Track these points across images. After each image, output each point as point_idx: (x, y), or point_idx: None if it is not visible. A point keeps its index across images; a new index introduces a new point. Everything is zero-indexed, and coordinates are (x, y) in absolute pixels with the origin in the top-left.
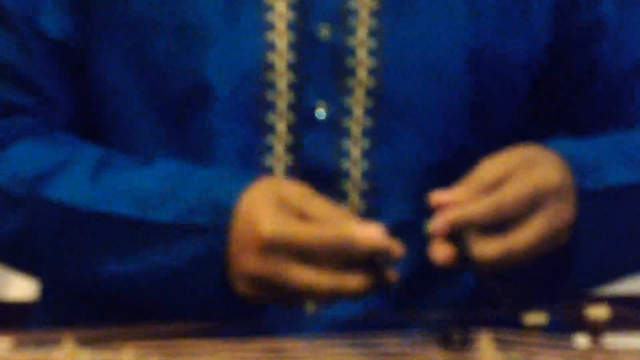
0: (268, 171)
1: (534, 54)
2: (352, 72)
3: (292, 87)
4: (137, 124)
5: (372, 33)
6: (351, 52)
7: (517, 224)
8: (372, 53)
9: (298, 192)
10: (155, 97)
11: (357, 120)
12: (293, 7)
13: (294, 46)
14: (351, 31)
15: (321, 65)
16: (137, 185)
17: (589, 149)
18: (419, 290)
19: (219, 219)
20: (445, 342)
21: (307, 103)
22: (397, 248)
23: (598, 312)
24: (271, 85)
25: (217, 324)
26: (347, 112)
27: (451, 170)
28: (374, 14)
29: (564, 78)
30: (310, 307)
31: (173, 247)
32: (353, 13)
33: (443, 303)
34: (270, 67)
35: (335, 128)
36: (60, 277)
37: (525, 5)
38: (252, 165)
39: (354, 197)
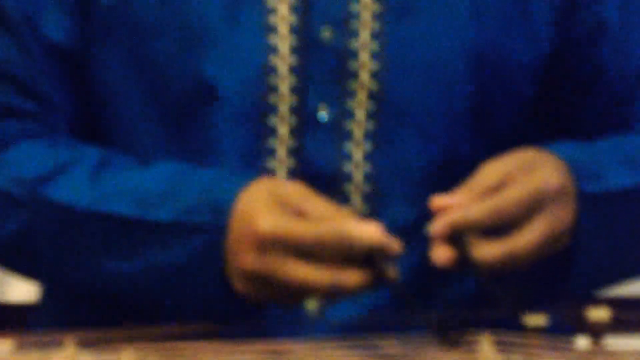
0: (270, 174)
1: (536, 57)
2: (354, 75)
3: (294, 90)
4: (138, 126)
5: (374, 36)
6: (353, 55)
7: (517, 227)
8: (374, 56)
9: (296, 191)
10: (156, 100)
11: (359, 123)
12: (295, 9)
13: (296, 49)
14: (353, 34)
15: (323, 68)
16: (137, 185)
17: (589, 152)
18: (421, 291)
19: (217, 218)
20: (443, 339)
21: (309, 106)
22: (395, 245)
23: (599, 314)
24: (273, 88)
25: (217, 326)
26: (349, 115)
27: (453, 173)
28: (377, 16)
29: (565, 80)
30: (311, 308)
31: (172, 246)
32: (355, 16)
33: (445, 304)
34: (272, 70)
35: (337, 131)
36: (60, 278)
37: (526, 7)
38: (254, 168)
39: (356, 200)
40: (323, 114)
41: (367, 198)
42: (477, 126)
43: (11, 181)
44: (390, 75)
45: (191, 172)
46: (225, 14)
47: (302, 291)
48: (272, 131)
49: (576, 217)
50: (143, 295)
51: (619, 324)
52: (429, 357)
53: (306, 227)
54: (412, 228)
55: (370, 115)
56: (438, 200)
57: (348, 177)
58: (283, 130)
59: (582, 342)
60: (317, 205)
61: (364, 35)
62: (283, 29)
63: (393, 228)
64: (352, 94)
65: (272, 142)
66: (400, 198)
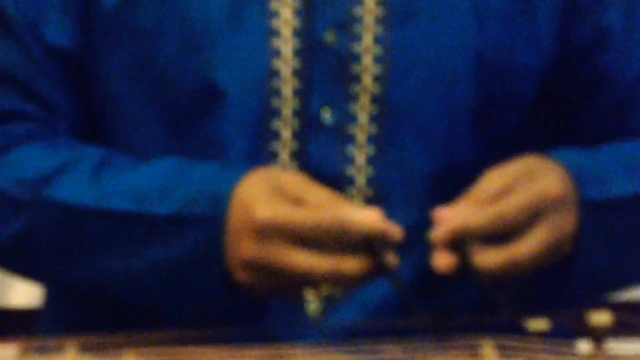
0: None
1: (539, 61)
2: (357, 79)
3: (297, 93)
4: (140, 129)
5: (377, 40)
6: (356, 58)
7: (519, 235)
8: (377, 60)
9: (295, 180)
10: (159, 103)
11: (362, 126)
12: (298, 13)
13: (299, 53)
14: (356, 38)
15: (326, 72)
16: (137, 181)
17: (591, 160)
18: (424, 295)
19: (216, 209)
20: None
21: (312, 110)
22: (395, 231)
23: (600, 318)
24: (276, 92)
25: (218, 331)
26: (352, 118)
27: (455, 176)
28: (380, 20)
29: (569, 86)
30: (311, 309)
31: (172, 239)
32: (358, 20)
33: (449, 308)
34: (275, 73)
35: (340, 134)
36: (60, 278)
37: (529, 11)
38: None
39: (359, 204)
40: (326, 118)
41: (370, 201)
42: (480, 129)
43: (12, 182)
44: (393, 79)
45: (190, 166)
46: (228, 17)
47: (302, 279)
48: (275, 134)
49: (578, 224)
50: (144, 292)
51: (621, 328)
52: None
53: (305, 214)
54: (414, 231)
55: (373, 119)
56: (440, 212)
57: (350, 181)
58: (286, 133)
59: (584, 346)
60: (315, 193)
61: (367, 39)
62: (286, 32)
63: None
64: (354, 98)
65: (275, 145)
66: (403, 201)
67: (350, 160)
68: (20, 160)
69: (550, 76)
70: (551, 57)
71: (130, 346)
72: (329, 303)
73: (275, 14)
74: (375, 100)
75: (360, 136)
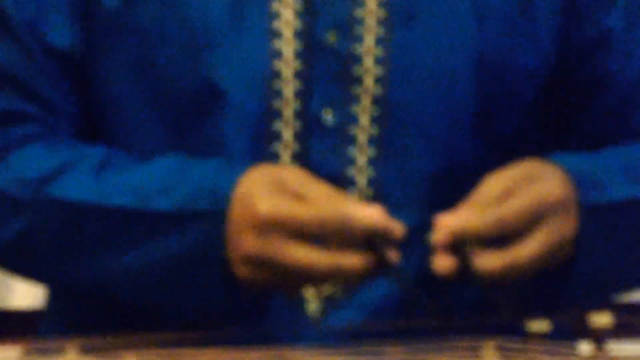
0: None
1: (540, 63)
2: (358, 80)
3: (299, 94)
4: (141, 130)
5: (379, 41)
6: (358, 60)
7: (519, 238)
8: (378, 61)
9: (296, 175)
10: (160, 104)
11: (363, 128)
12: (300, 14)
13: (300, 54)
14: (358, 39)
15: (328, 73)
16: (138, 179)
17: (591, 164)
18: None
19: (217, 204)
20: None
21: (314, 111)
22: (397, 228)
23: (601, 319)
24: (278, 93)
25: (218, 333)
26: (353, 120)
27: (457, 178)
28: (381, 22)
29: (570, 88)
30: (312, 309)
31: (173, 235)
32: (360, 21)
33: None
34: (276, 75)
35: (341, 136)
36: (61, 278)
37: (530, 13)
38: None
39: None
40: (327, 119)
41: (371, 202)
42: (481, 131)
43: (13, 182)
44: (394, 81)
45: (191, 163)
46: (229, 19)
47: (302, 275)
48: (276, 135)
49: (578, 228)
50: (144, 291)
51: (622, 330)
52: None
53: (306, 210)
54: (415, 232)
55: (374, 121)
56: (441, 220)
57: (351, 182)
58: (287, 134)
59: (585, 347)
60: (317, 189)
61: (369, 40)
62: (287, 33)
63: None
64: (356, 99)
65: (277, 147)
66: (404, 202)
67: (351, 162)
68: (22, 161)
69: (550, 77)
70: (551, 57)
71: (130, 348)
72: (329, 303)
73: (276, 15)
74: (376, 101)
75: (361, 137)
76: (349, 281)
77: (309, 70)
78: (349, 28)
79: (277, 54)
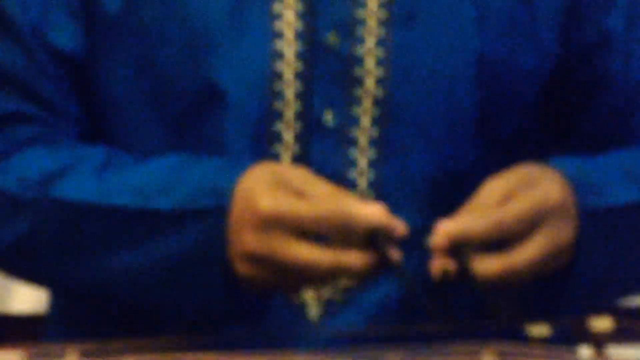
0: None
1: (541, 65)
2: (359, 82)
3: (300, 96)
4: (143, 131)
5: (380, 42)
6: (359, 61)
7: (518, 242)
8: (380, 63)
9: (297, 173)
10: (162, 106)
11: (364, 129)
12: (301, 15)
13: (301, 55)
14: (359, 40)
15: (329, 75)
16: (139, 178)
17: (590, 168)
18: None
19: (219, 202)
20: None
21: (315, 112)
22: (399, 226)
23: (601, 324)
24: (279, 94)
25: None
26: (355, 121)
27: (457, 179)
28: (382, 23)
29: (570, 89)
30: (312, 312)
31: (175, 234)
32: (361, 22)
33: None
34: (277, 75)
35: (342, 137)
36: (63, 279)
37: (531, 15)
38: None
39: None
40: (328, 120)
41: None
42: (482, 133)
43: (17, 185)
44: (396, 82)
45: (192, 162)
46: (230, 20)
47: (303, 273)
48: (277, 137)
49: (577, 232)
50: (146, 291)
51: (622, 334)
52: None
53: (308, 207)
54: (416, 234)
55: (375, 122)
56: (442, 226)
57: (352, 184)
58: (288, 136)
59: (585, 352)
60: (319, 186)
61: (370, 41)
62: (289, 34)
63: None
64: (357, 101)
65: (277, 148)
66: (405, 205)
67: (352, 163)
68: (24, 162)
69: (551, 78)
70: (552, 58)
71: (131, 352)
72: (329, 307)
73: (277, 16)
74: (377, 103)
75: (362, 139)
76: (350, 280)
77: (310, 71)
78: (349, 29)
79: (278, 55)
